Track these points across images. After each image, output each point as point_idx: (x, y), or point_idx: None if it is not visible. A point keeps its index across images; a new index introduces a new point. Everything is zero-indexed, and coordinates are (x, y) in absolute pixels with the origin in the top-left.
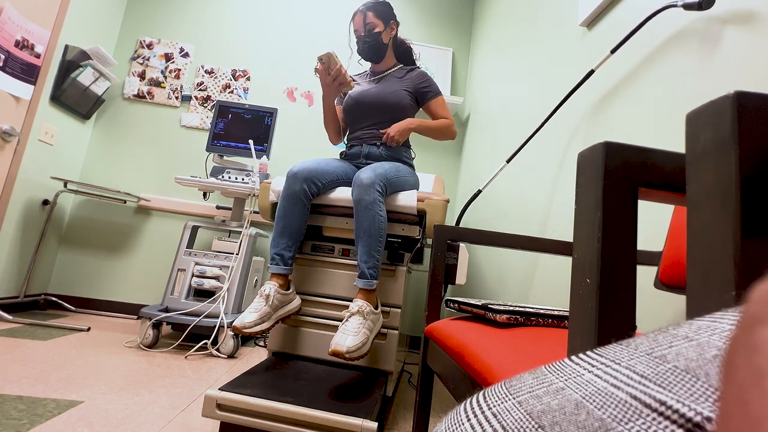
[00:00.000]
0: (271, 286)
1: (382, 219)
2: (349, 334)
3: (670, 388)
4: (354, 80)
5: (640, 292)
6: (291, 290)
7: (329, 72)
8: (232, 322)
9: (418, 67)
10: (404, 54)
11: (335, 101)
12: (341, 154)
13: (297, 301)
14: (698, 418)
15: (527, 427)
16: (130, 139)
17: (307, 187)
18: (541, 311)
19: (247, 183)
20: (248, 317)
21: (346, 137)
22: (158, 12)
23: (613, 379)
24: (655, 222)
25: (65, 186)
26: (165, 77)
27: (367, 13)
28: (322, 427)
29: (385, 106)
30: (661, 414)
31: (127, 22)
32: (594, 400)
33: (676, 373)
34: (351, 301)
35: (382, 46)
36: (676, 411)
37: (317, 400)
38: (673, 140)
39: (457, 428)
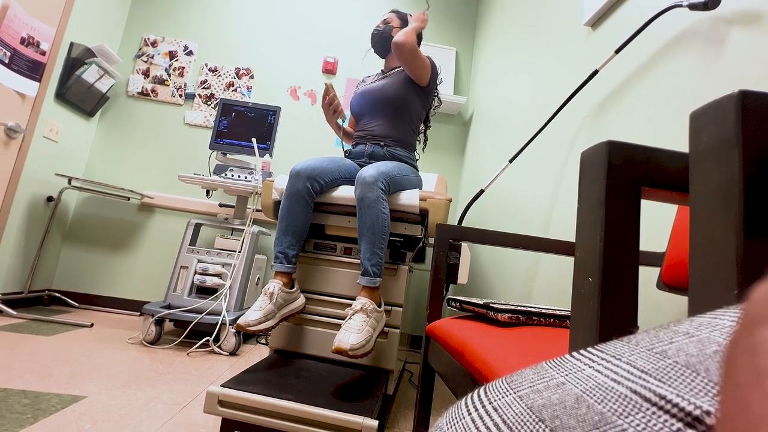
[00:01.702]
0: (275, 285)
1: (385, 216)
2: (353, 332)
3: (670, 383)
4: (363, 81)
5: (643, 293)
6: (295, 289)
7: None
8: (235, 319)
9: None
10: None
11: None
12: (346, 152)
13: (301, 300)
14: (698, 412)
15: (528, 421)
16: (134, 136)
17: (310, 186)
18: (543, 311)
19: (250, 181)
20: (252, 315)
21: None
22: (163, 10)
23: (614, 374)
24: (658, 223)
25: (69, 183)
26: (169, 75)
27: (390, 13)
28: (323, 424)
29: (388, 99)
30: (660, 408)
31: (132, 20)
32: (594, 395)
33: (676, 368)
34: (353, 299)
35: (390, 39)
36: (675, 405)
37: (318, 398)
38: (676, 140)
39: (457, 422)
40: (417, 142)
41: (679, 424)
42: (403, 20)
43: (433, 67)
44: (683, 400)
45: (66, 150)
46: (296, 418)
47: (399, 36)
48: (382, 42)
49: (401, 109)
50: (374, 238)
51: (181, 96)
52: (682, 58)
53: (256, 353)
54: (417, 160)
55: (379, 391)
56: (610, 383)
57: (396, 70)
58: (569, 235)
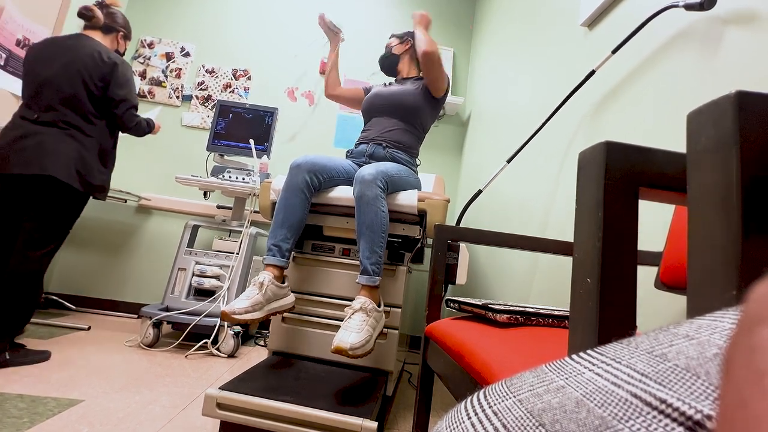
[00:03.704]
0: (266, 276)
1: (384, 215)
2: (353, 331)
3: (671, 386)
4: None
5: (641, 293)
6: (286, 285)
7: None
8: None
9: None
10: None
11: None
12: (347, 152)
13: (291, 298)
14: (698, 416)
15: (528, 425)
16: (130, 138)
17: (309, 179)
18: (542, 311)
19: (248, 182)
20: (239, 304)
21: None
22: (159, 11)
23: (614, 378)
24: (655, 222)
25: None
26: (166, 76)
27: (391, 38)
28: (322, 426)
29: (401, 104)
30: (661, 412)
31: (129, 21)
32: (594, 398)
33: (676, 371)
34: (352, 300)
35: (394, 57)
36: (676, 409)
37: (317, 400)
38: (674, 140)
39: (457, 426)
40: (420, 145)
41: (680, 428)
42: (401, 36)
43: (448, 79)
44: (684, 404)
45: None
46: (295, 420)
47: (425, 45)
48: (389, 63)
49: (412, 116)
50: (373, 237)
51: (178, 97)
52: (679, 59)
53: (255, 355)
54: (418, 165)
55: (379, 392)
56: (610, 387)
57: (411, 78)
58: (567, 235)
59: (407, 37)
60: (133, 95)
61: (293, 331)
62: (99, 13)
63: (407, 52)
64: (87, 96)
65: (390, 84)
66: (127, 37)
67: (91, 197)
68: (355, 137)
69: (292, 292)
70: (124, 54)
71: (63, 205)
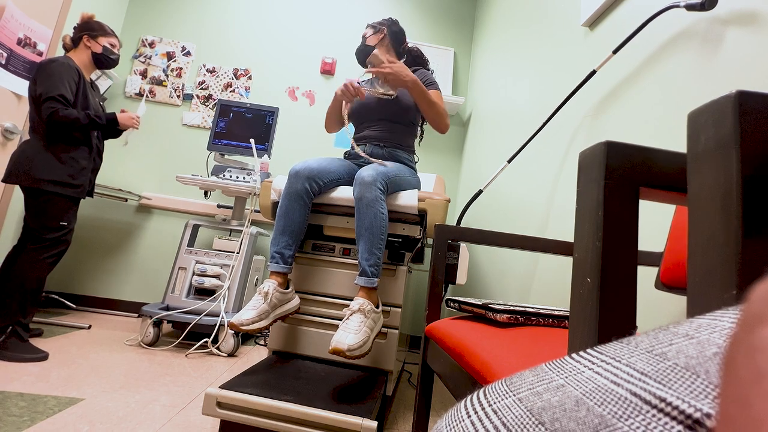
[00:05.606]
0: (270, 284)
1: (383, 216)
2: (350, 332)
3: (671, 385)
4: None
5: (641, 293)
6: (290, 289)
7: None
8: None
9: (423, 68)
10: (414, 60)
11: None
12: (345, 154)
13: (296, 301)
14: (698, 415)
15: (528, 423)
16: (131, 137)
17: (308, 186)
18: (542, 311)
19: (248, 182)
20: (246, 315)
21: (352, 138)
22: (160, 11)
23: (614, 376)
24: (656, 222)
25: None
26: (167, 76)
27: (367, 28)
28: (322, 425)
29: (387, 104)
30: (661, 411)
31: (130, 20)
32: (594, 397)
33: (676, 370)
34: (352, 300)
35: (369, 48)
36: (676, 408)
37: (317, 399)
38: (674, 140)
39: (457, 425)
40: (415, 140)
41: (680, 427)
42: (375, 26)
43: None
44: (683, 403)
45: None
46: (295, 419)
47: (441, 125)
48: (364, 55)
49: (400, 114)
50: (372, 238)
51: (179, 97)
52: (679, 59)
53: (255, 354)
54: (416, 162)
55: (378, 391)
56: (609, 385)
57: None
58: (567, 235)
59: (381, 27)
60: (54, 87)
61: (293, 330)
62: (67, 38)
63: (382, 42)
64: (33, 104)
65: (373, 81)
66: (93, 36)
67: (80, 197)
68: None
69: None
70: (102, 51)
71: (29, 203)
